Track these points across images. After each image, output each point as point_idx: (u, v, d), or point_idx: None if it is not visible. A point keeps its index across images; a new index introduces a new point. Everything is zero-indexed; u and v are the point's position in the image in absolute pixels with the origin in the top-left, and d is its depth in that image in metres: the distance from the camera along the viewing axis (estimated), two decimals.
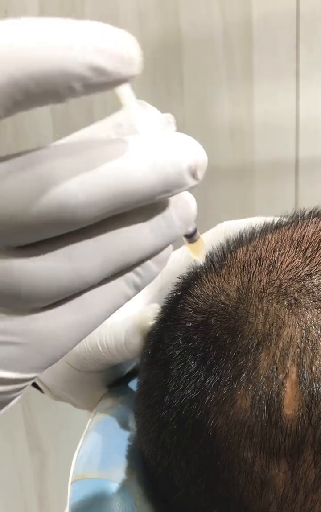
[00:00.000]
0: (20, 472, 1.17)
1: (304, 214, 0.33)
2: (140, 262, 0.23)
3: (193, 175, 0.22)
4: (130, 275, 0.24)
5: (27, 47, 0.18)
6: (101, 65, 0.18)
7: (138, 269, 0.24)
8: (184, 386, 0.29)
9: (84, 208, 0.20)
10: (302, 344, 0.26)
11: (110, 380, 0.42)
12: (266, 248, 0.30)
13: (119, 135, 0.23)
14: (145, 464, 0.34)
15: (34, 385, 0.47)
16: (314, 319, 0.26)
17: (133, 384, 0.41)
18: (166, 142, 0.22)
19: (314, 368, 0.26)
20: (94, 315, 0.23)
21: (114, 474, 0.34)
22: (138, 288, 0.24)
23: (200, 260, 0.29)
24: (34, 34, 0.18)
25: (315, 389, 0.26)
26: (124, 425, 0.37)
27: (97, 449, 0.35)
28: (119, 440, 0.36)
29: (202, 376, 0.28)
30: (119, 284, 0.24)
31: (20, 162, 0.20)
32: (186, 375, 0.29)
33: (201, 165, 0.22)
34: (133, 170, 0.21)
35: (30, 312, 0.22)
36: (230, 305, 0.28)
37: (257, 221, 0.35)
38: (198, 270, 0.32)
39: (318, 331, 0.26)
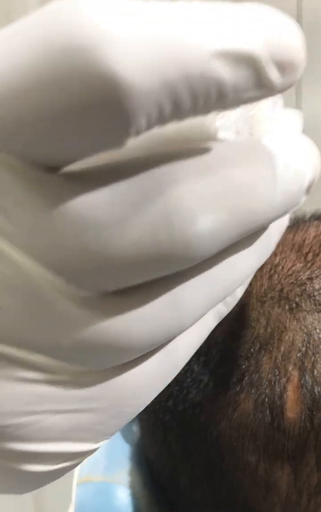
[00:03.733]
0: None
1: (305, 217, 0.34)
2: None
3: (307, 193, 0.18)
4: (220, 306, 0.20)
5: (195, 43, 0.14)
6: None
7: (228, 298, 0.20)
8: (187, 390, 0.29)
9: (209, 244, 0.16)
10: (304, 348, 0.26)
11: None
12: None
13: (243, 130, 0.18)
14: (151, 467, 0.34)
15: None
16: (316, 323, 0.27)
17: None
18: (294, 152, 0.18)
19: (315, 372, 0.26)
20: (181, 360, 0.19)
21: (119, 477, 0.34)
22: (221, 318, 0.21)
23: None
24: (203, 24, 0.14)
25: (317, 393, 0.26)
26: (128, 429, 0.37)
27: (102, 452, 0.35)
28: (124, 443, 0.36)
29: (206, 380, 0.28)
30: (209, 320, 0.20)
31: (144, 184, 0.15)
32: (190, 379, 0.29)
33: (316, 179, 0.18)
34: (264, 193, 0.17)
35: (108, 370, 0.17)
36: (233, 309, 0.29)
37: None
38: None
39: (319, 335, 0.26)
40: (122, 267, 0.15)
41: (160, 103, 0.14)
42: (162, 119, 0.14)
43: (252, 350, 0.27)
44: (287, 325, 0.27)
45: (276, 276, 0.29)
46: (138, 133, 0.14)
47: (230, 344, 0.28)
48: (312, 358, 0.26)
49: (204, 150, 0.16)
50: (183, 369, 0.29)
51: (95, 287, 0.16)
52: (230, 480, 0.28)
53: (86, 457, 0.19)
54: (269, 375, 0.27)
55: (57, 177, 0.15)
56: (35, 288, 0.15)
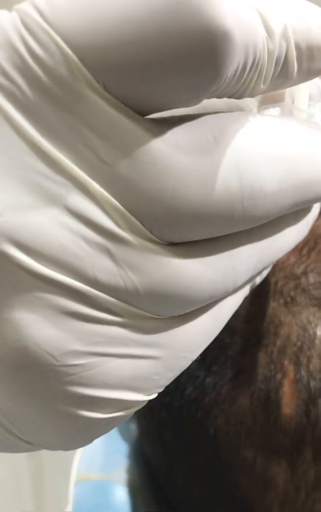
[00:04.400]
0: (16, 477, 1.17)
1: None
2: None
3: None
4: (256, 275, 0.21)
5: None
6: None
7: (264, 271, 0.22)
8: (184, 386, 0.29)
9: (272, 205, 0.17)
10: (299, 342, 0.26)
11: None
12: None
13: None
14: (148, 465, 0.34)
15: None
16: (310, 317, 0.26)
17: None
18: None
19: (311, 367, 0.26)
20: (224, 320, 0.20)
21: (117, 476, 0.34)
22: (252, 288, 0.22)
23: None
24: None
25: (312, 387, 0.26)
26: (125, 427, 0.37)
27: (100, 450, 0.35)
28: (121, 442, 0.36)
29: (202, 376, 0.28)
30: (246, 287, 0.21)
31: (217, 134, 0.17)
32: (186, 376, 0.29)
33: None
34: None
35: (169, 319, 0.18)
36: None
37: None
38: None
39: (314, 330, 0.26)
40: (193, 215, 0.16)
41: (245, 60, 0.16)
42: (240, 78, 0.16)
43: (248, 345, 0.27)
44: (283, 320, 0.27)
45: (271, 270, 0.28)
46: (219, 87, 0.16)
47: (225, 340, 0.28)
48: (307, 352, 0.26)
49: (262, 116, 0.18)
50: None
51: (165, 235, 0.17)
52: (227, 478, 0.28)
53: (137, 409, 0.19)
54: (265, 370, 0.26)
55: (143, 119, 0.16)
56: (112, 226, 0.16)
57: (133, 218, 0.16)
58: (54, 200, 0.16)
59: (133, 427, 0.36)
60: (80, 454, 0.36)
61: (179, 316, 0.18)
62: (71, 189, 0.16)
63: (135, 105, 0.16)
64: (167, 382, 0.19)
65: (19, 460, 1.16)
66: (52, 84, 0.16)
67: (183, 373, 0.29)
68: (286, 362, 0.26)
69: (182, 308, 0.18)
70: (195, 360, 0.28)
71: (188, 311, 0.18)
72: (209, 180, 0.16)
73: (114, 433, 0.37)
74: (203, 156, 0.16)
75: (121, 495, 0.33)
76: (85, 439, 0.19)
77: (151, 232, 0.17)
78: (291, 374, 0.26)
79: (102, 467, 0.34)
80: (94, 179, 0.16)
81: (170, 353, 0.18)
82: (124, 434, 0.36)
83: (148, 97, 0.16)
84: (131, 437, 0.36)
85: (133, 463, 0.34)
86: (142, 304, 0.17)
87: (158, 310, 0.17)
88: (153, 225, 0.16)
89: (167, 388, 0.30)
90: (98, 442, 0.36)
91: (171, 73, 0.15)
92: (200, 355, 0.28)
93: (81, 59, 0.15)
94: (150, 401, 0.31)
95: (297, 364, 0.26)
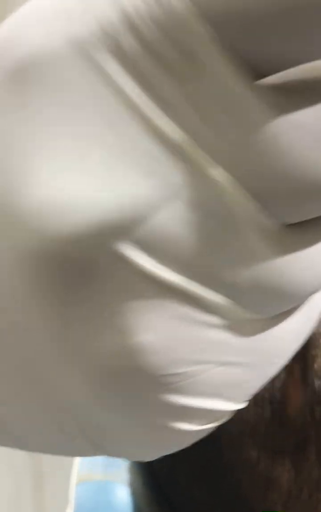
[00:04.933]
0: (17, 480, 1.17)
1: None
2: None
3: None
4: None
5: None
6: None
7: None
8: None
9: None
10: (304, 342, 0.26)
11: None
12: None
13: None
14: (149, 465, 0.34)
15: None
16: None
17: None
18: None
19: (315, 366, 0.26)
20: (314, 320, 0.18)
21: (119, 476, 0.34)
22: None
23: None
24: None
25: (317, 387, 0.26)
26: None
27: None
28: None
29: None
30: None
31: None
32: None
33: None
34: None
35: (266, 321, 0.16)
36: None
37: None
38: None
39: (319, 329, 0.26)
40: (316, 194, 0.14)
41: None
42: None
43: None
44: None
45: None
46: None
47: None
48: (313, 352, 0.26)
49: None
50: None
51: (286, 215, 0.15)
52: (229, 478, 0.28)
53: (224, 421, 0.18)
54: None
55: (266, 89, 0.13)
56: (227, 211, 0.14)
57: (256, 207, 0.14)
58: (171, 186, 0.14)
59: None
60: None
61: (275, 316, 0.16)
62: (191, 174, 0.14)
63: (259, 67, 0.13)
64: (255, 391, 0.18)
65: (19, 461, 1.16)
66: (173, 51, 0.13)
67: None
68: (291, 362, 0.26)
69: (285, 303, 0.16)
70: None
71: (289, 307, 0.16)
72: None
73: None
74: None
75: (122, 495, 0.33)
76: (169, 451, 0.18)
77: (272, 212, 0.14)
78: (296, 373, 0.26)
79: (103, 468, 0.34)
80: (216, 161, 0.14)
81: (263, 359, 0.17)
82: None
83: (280, 53, 0.13)
84: None
85: (135, 464, 0.34)
86: (246, 299, 0.15)
87: (260, 306, 0.16)
88: (272, 205, 0.14)
89: None
90: None
91: (302, 22, 0.12)
92: None
93: (208, 18, 0.13)
94: None
95: (302, 363, 0.26)
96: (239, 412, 0.27)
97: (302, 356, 0.26)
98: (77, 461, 0.36)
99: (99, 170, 0.14)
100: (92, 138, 0.14)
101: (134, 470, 0.34)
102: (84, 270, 0.14)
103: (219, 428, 0.27)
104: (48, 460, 1.13)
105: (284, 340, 0.17)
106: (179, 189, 0.14)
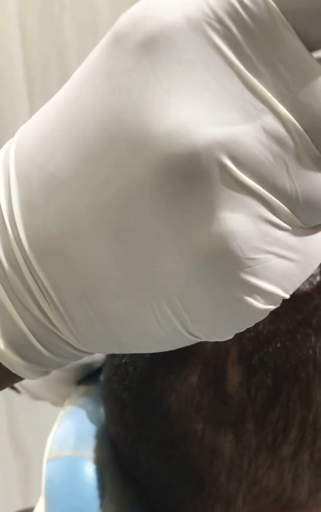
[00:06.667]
0: (5, 476, 1.19)
1: None
2: None
3: None
4: None
5: None
6: None
7: None
8: (140, 369, 0.32)
9: None
10: None
11: (83, 376, 0.45)
12: None
13: None
14: (113, 443, 0.37)
15: (11, 387, 0.50)
16: None
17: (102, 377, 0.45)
18: None
19: (250, 347, 0.29)
20: None
21: (87, 453, 0.37)
22: None
23: None
24: None
25: (252, 366, 0.29)
26: (95, 410, 0.40)
27: (71, 431, 0.38)
28: (91, 424, 0.39)
29: (157, 360, 0.31)
30: None
31: None
32: (142, 359, 0.32)
33: None
34: None
35: (308, 230, 0.21)
36: None
37: None
38: None
39: None
40: None
41: None
42: None
43: None
44: None
45: None
46: None
47: None
48: (248, 334, 0.29)
49: None
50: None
51: None
52: (181, 449, 0.31)
53: (274, 308, 0.22)
54: (211, 352, 0.30)
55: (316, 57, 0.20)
56: (289, 138, 0.20)
57: (308, 138, 0.20)
58: (254, 121, 0.20)
59: (102, 410, 0.39)
60: (53, 436, 0.39)
61: (312, 227, 0.22)
62: (267, 113, 0.20)
63: (314, 43, 0.20)
64: (298, 285, 0.22)
65: (8, 462, 1.18)
66: (256, 28, 0.19)
67: (139, 358, 0.32)
68: (229, 343, 0.29)
69: None
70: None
71: None
72: None
73: (84, 417, 0.40)
74: None
75: (89, 471, 0.36)
76: (240, 327, 0.22)
77: (317, 147, 0.20)
78: (233, 354, 0.29)
79: (73, 446, 0.37)
80: (282, 105, 0.20)
81: (305, 258, 0.22)
82: (93, 417, 0.40)
83: None
84: (100, 420, 0.39)
85: (100, 442, 0.37)
86: (299, 211, 0.21)
87: (307, 217, 0.21)
88: (316, 139, 0.20)
89: (127, 371, 0.33)
90: (69, 426, 0.39)
91: None
92: None
93: (279, 6, 0.19)
94: (112, 383, 0.34)
95: (238, 345, 0.29)
96: (186, 390, 0.30)
97: (239, 339, 0.29)
98: (49, 441, 0.39)
99: (208, 107, 0.20)
100: (202, 86, 0.20)
101: (100, 448, 0.37)
102: (196, 176, 0.20)
103: (169, 405, 0.31)
104: (35, 461, 1.15)
105: (318, 246, 0.22)
106: (260, 121, 0.20)
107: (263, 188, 0.20)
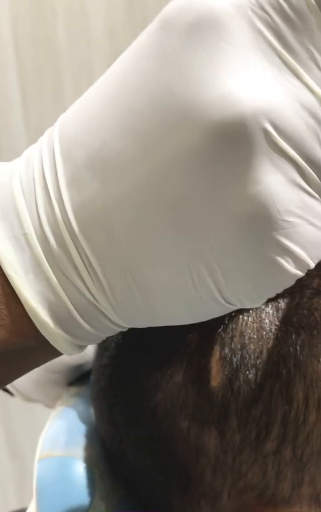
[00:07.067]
0: (0, 480, 1.19)
1: None
2: None
3: None
4: None
5: None
6: None
7: None
8: (127, 368, 0.33)
9: None
10: (223, 324, 0.30)
11: (74, 378, 0.46)
12: None
13: None
14: (102, 442, 0.37)
15: (4, 389, 0.51)
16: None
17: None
18: None
19: (233, 345, 0.30)
20: None
21: (77, 452, 0.37)
22: None
23: None
24: None
25: (234, 363, 0.29)
26: (86, 410, 0.41)
27: (62, 431, 0.39)
28: (81, 424, 0.40)
29: (142, 358, 0.32)
30: None
31: None
32: (129, 360, 0.33)
33: None
34: None
35: None
36: None
37: None
38: None
39: (235, 312, 0.30)
40: None
41: None
42: None
43: (181, 328, 0.31)
44: None
45: None
46: None
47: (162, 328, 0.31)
48: (231, 333, 0.30)
49: None
50: (122, 352, 0.33)
51: None
52: (167, 447, 0.32)
53: (299, 277, 0.23)
54: (195, 350, 0.30)
55: None
56: (318, 107, 0.22)
57: None
58: (292, 95, 0.22)
59: (92, 411, 0.40)
60: (44, 436, 0.40)
61: None
62: (303, 89, 0.22)
63: None
64: (318, 259, 0.24)
65: (4, 466, 1.19)
66: (294, 16, 0.22)
67: (126, 357, 0.33)
68: (213, 342, 0.30)
69: None
70: (138, 345, 0.32)
71: None
72: None
73: (75, 417, 0.41)
74: None
75: (80, 469, 0.37)
76: (271, 291, 0.24)
77: None
78: (217, 352, 0.30)
79: (63, 446, 0.38)
80: (314, 81, 0.22)
81: None
82: (83, 417, 0.40)
83: None
84: (90, 419, 0.40)
85: (90, 441, 0.38)
86: None
87: None
88: None
89: (115, 371, 0.34)
90: (60, 426, 0.40)
91: None
92: (140, 342, 0.32)
93: None
94: (100, 383, 0.35)
95: (222, 343, 0.30)
96: (171, 389, 0.31)
97: (222, 337, 0.30)
98: (41, 441, 0.39)
99: (253, 80, 0.22)
100: (248, 63, 0.22)
101: (90, 447, 0.38)
102: (242, 139, 0.21)
103: (156, 404, 0.31)
104: (30, 465, 1.15)
105: None
106: (297, 95, 0.22)
107: (299, 155, 0.22)
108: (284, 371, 0.29)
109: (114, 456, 0.36)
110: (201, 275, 0.23)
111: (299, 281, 0.31)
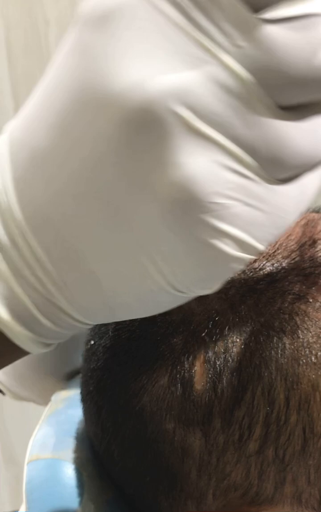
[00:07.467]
0: None
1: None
2: None
3: None
4: None
5: None
6: None
7: None
8: (114, 372, 0.33)
9: None
10: (206, 329, 0.31)
11: (63, 373, 0.47)
12: None
13: None
14: (91, 445, 0.38)
15: None
16: (216, 306, 0.31)
17: None
18: None
19: (216, 348, 0.31)
20: (307, 196, 0.24)
21: (66, 454, 0.38)
22: None
23: None
24: None
25: (218, 366, 0.30)
26: (76, 413, 0.41)
27: (51, 433, 0.40)
28: (71, 425, 0.40)
29: (129, 362, 0.33)
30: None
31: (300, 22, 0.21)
32: (116, 363, 0.33)
33: None
34: None
35: (274, 184, 0.23)
36: None
37: None
38: None
39: (219, 317, 0.31)
40: (298, 78, 0.21)
41: None
42: None
43: (166, 333, 0.32)
44: (195, 310, 0.31)
45: None
46: None
47: (148, 330, 0.32)
48: (214, 337, 0.31)
49: None
50: (110, 356, 0.34)
51: (277, 97, 0.22)
52: (153, 448, 0.32)
53: (248, 260, 0.23)
54: (180, 353, 0.31)
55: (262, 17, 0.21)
56: (238, 86, 0.21)
57: (260, 87, 0.21)
58: (202, 72, 0.21)
59: (80, 412, 0.41)
60: (33, 439, 0.40)
61: (279, 181, 0.23)
62: (214, 64, 0.21)
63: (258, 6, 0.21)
64: (271, 238, 0.24)
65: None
66: None
67: (113, 361, 0.34)
68: (197, 346, 0.31)
69: (288, 168, 0.23)
70: (122, 349, 0.33)
71: (291, 173, 0.23)
72: (309, 51, 0.21)
73: (64, 420, 0.41)
74: (302, 34, 0.21)
75: (69, 471, 0.37)
76: (219, 276, 0.24)
77: (273, 95, 0.21)
78: (201, 356, 0.31)
79: (52, 448, 0.39)
80: (230, 55, 0.21)
81: (273, 210, 0.23)
82: (72, 420, 0.41)
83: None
84: (79, 422, 0.41)
85: (79, 444, 0.39)
86: (263, 163, 0.22)
87: (273, 170, 0.22)
88: (268, 88, 0.21)
89: (102, 374, 0.34)
90: (49, 429, 0.41)
91: None
92: (126, 345, 0.33)
93: None
94: (89, 385, 0.35)
95: (206, 346, 0.31)
96: (157, 391, 0.32)
97: (206, 341, 0.31)
98: (30, 444, 0.40)
99: (160, 63, 0.21)
100: (155, 46, 0.22)
101: (79, 449, 0.39)
102: (152, 124, 0.21)
103: (142, 406, 0.32)
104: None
105: (286, 201, 0.23)
106: (207, 71, 0.21)
107: (223, 135, 0.22)
108: (266, 374, 0.30)
109: (102, 457, 0.37)
110: (144, 265, 0.23)
111: (281, 286, 0.32)
